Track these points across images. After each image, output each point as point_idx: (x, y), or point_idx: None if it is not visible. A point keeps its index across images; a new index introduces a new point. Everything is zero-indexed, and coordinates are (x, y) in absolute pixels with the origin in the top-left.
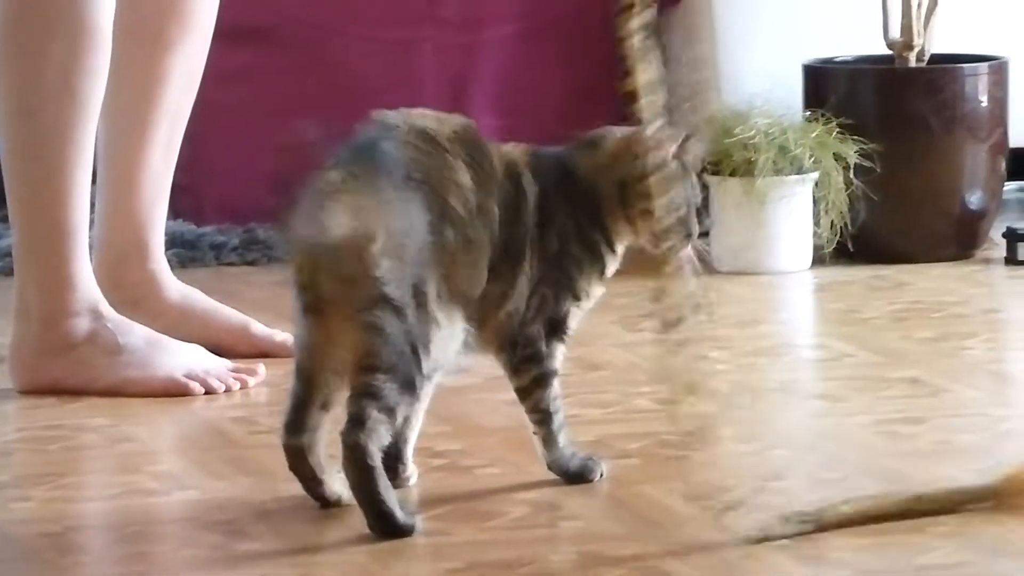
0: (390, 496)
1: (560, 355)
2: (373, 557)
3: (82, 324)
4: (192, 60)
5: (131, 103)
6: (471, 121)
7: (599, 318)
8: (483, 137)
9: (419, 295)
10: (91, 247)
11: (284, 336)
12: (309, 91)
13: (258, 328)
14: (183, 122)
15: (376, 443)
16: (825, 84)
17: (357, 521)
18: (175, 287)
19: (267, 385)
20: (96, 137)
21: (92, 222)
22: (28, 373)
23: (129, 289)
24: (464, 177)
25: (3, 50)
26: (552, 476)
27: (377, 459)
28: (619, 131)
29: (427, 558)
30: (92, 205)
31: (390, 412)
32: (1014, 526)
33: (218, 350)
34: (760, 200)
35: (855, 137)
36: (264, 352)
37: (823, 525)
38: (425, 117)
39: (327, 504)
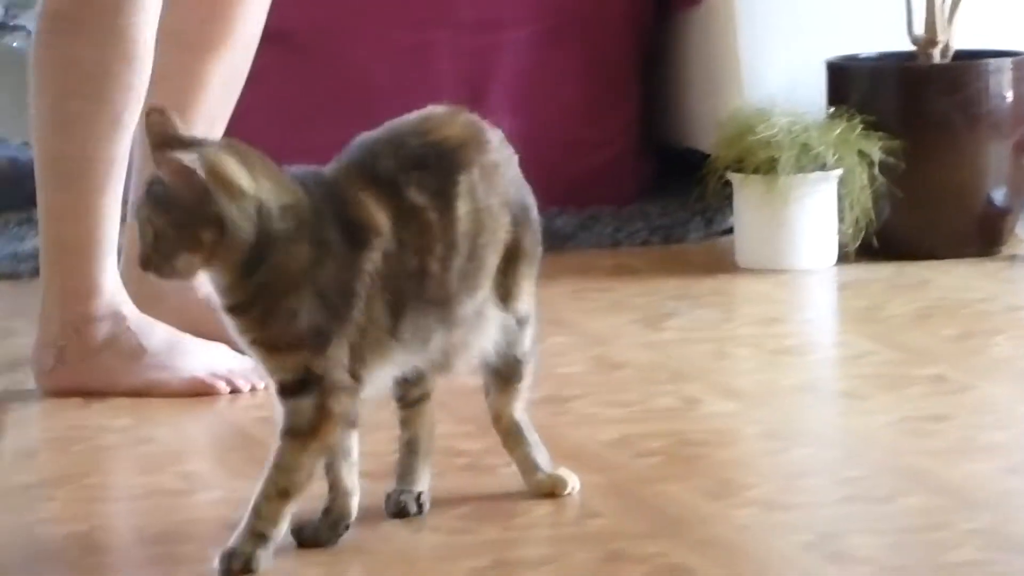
0: None
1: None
2: (398, 556)
3: (103, 328)
4: (234, 67)
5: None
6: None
7: (619, 318)
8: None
9: None
10: (120, 246)
11: None
12: (324, 95)
13: None
14: (221, 127)
15: None
16: (848, 81)
17: (380, 520)
18: (201, 285)
19: None
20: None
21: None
22: (51, 378)
23: (154, 286)
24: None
25: (40, 55)
26: (576, 476)
27: None
28: None
29: (451, 557)
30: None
31: None
32: None
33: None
34: (783, 198)
35: (878, 134)
36: None
37: None
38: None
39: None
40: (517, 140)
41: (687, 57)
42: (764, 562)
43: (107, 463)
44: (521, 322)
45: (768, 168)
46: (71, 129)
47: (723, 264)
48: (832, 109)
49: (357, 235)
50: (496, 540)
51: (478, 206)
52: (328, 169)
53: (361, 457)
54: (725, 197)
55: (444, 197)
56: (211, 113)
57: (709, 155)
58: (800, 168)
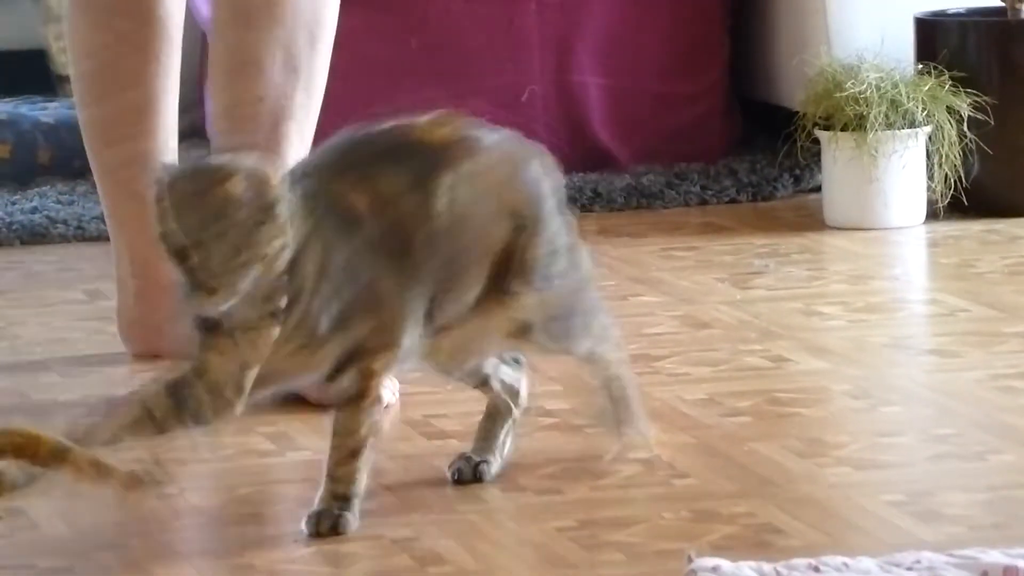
0: None
1: None
2: (485, 516)
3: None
4: (291, 47)
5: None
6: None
7: (706, 275)
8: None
9: None
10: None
11: None
12: (413, 53)
13: None
14: (292, 125)
15: None
16: (936, 37)
17: (467, 481)
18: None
19: None
20: None
21: None
22: (135, 341)
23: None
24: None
25: (74, 25)
26: (663, 436)
27: None
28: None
29: (539, 517)
30: None
31: None
32: None
33: None
34: (872, 155)
35: (968, 90)
36: None
37: None
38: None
39: None
40: (604, 97)
41: (775, 13)
42: (854, 521)
43: None
44: (524, 329)
45: (857, 125)
46: (108, 102)
47: (811, 222)
48: (920, 65)
49: (344, 221)
50: (584, 500)
51: (456, 209)
52: (307, 163)
53: (448, 417)
54: (813, 154)
55: (423, 191)
56: (273, 100)
57: (797, 112)
58: (889, 125)
